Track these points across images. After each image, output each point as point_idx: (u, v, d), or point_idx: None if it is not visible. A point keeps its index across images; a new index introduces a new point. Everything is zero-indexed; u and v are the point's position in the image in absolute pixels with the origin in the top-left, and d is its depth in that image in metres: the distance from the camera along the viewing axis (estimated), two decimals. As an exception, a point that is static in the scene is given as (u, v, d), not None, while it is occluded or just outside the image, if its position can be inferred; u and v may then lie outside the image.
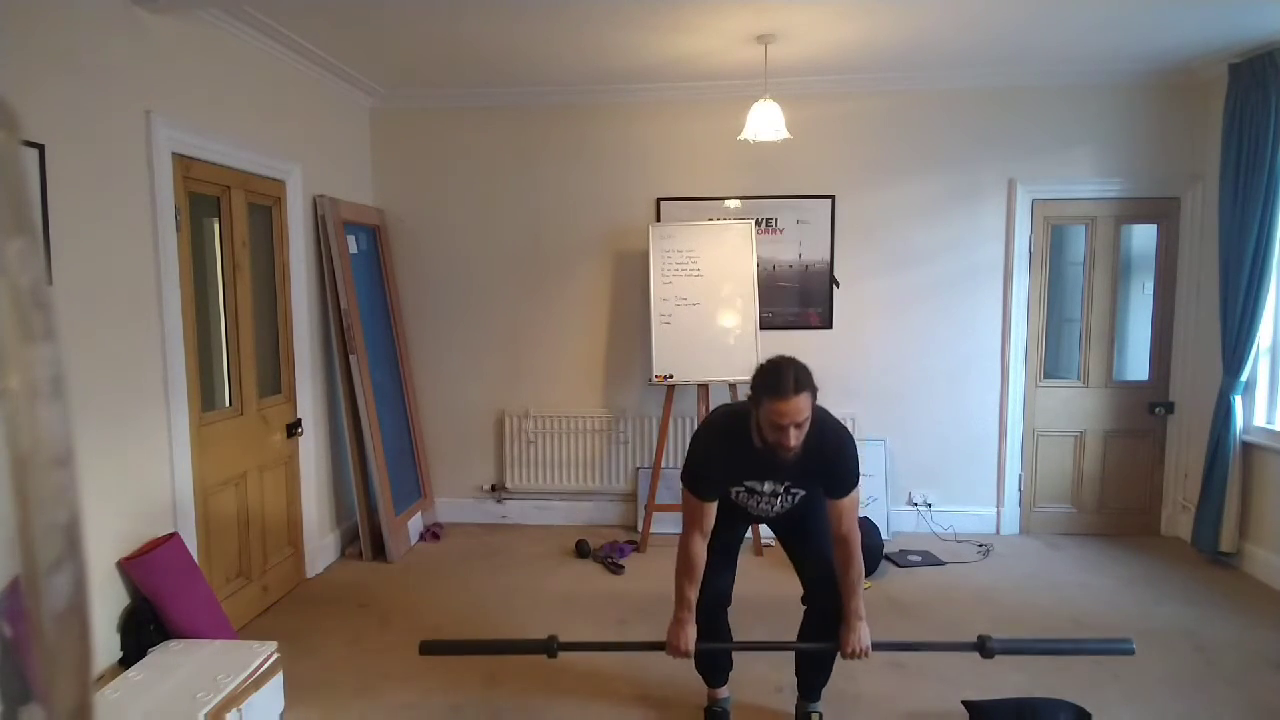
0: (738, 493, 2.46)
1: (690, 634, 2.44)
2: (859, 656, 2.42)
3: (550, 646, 2.50)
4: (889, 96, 4.57)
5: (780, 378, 2.17)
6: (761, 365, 2.28)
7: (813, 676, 2.69)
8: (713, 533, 2.51)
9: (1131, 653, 2.45)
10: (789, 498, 2.45)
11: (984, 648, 2.44)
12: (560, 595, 3.88)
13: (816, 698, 2.72)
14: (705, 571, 2.51)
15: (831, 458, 2.35)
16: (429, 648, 2.53)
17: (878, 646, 2.46)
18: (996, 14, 3.47)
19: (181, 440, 3.13)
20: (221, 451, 3.44)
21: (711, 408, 4.46)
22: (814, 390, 2.22)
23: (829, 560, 2.50)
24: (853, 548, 2.41)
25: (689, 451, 2.50)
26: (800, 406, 2.16)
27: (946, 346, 4.69)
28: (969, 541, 4.57)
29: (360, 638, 3.43)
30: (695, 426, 4.65)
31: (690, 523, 2.46)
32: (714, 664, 2.73)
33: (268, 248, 3.84)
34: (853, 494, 2.40)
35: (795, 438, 2.20)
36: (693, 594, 2.46)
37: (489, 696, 2.94)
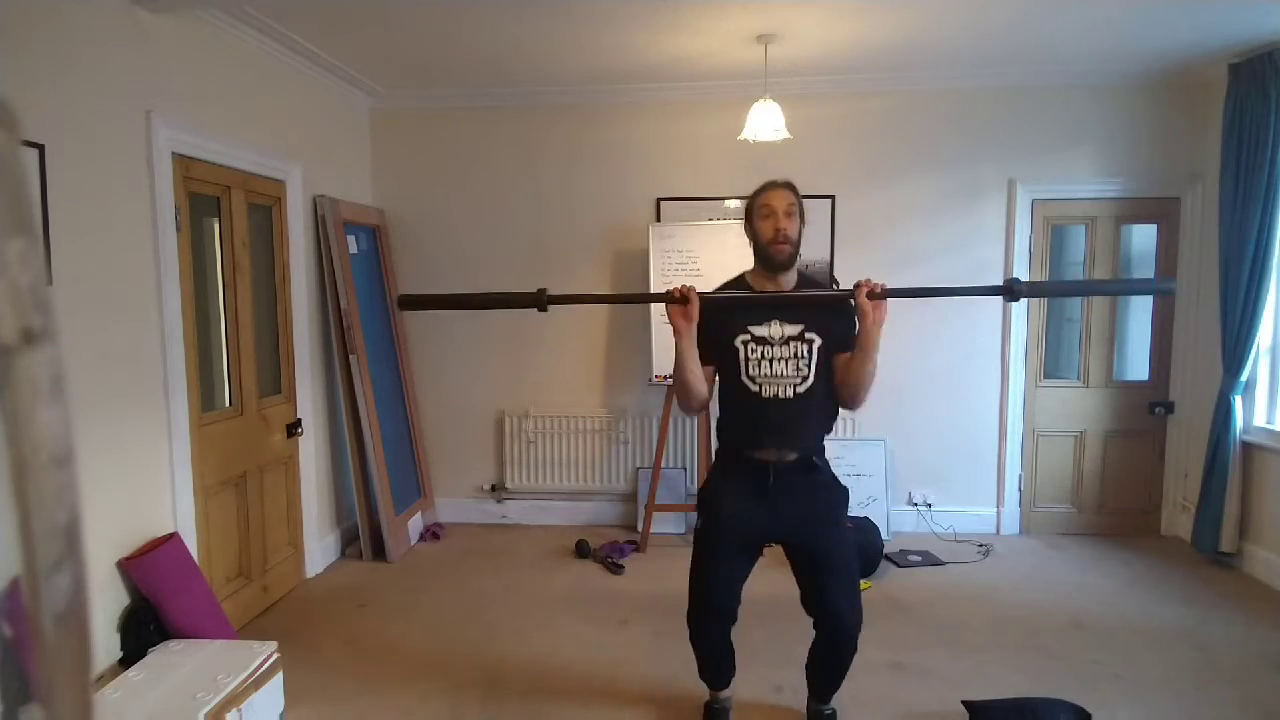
0: (744, 343, 2.30)
1: (691, 290, 2.28)
2: (877, 294, 2.26)
3: (540, 299, 2.27)
4: (889, 96, 4.57)
5: (767, 180, 2.39)
6: None
7: (825, 681, 2.63)
8: (726, 543, 2.40)
9: (1174, 292, 2.37)
10: (805, 347, 2.29)
11: (1011, 290, 2.35)
12: (560, 595, 3.88)
13: (827, 700, 2.69)
14: (712, 580, 2.43)
15: (839, 293, 2.38)
16: (408, 302, 2.38)
17: (893, 293, 2.29)
18: (996, 14, 3.47)
19: (181, 440, 3.13)
20: (221, 451, 3.44)
21: (711, 408, 4.49)
22: (799, 195, 2.36)
23: (842, 618, 2.40)
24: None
25: None
26: (786, 196, 2.33)
27: (946, 346, 4.69)
28: (969, 541, 4.57)
29: (360, 638, 3.43)
30: (695, 426, 4.67)
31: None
32: (715, 671, 2.68)
33: (268, 248, 3.84)
34: None
35: (787, 224, 2.29)
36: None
37: (489, 696, 2.94)
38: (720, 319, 2.34)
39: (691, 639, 2.57)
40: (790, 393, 2.31)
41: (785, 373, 2.30)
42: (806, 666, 2.66)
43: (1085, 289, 2.61)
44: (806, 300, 2.39)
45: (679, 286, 2.31)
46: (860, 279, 2.30)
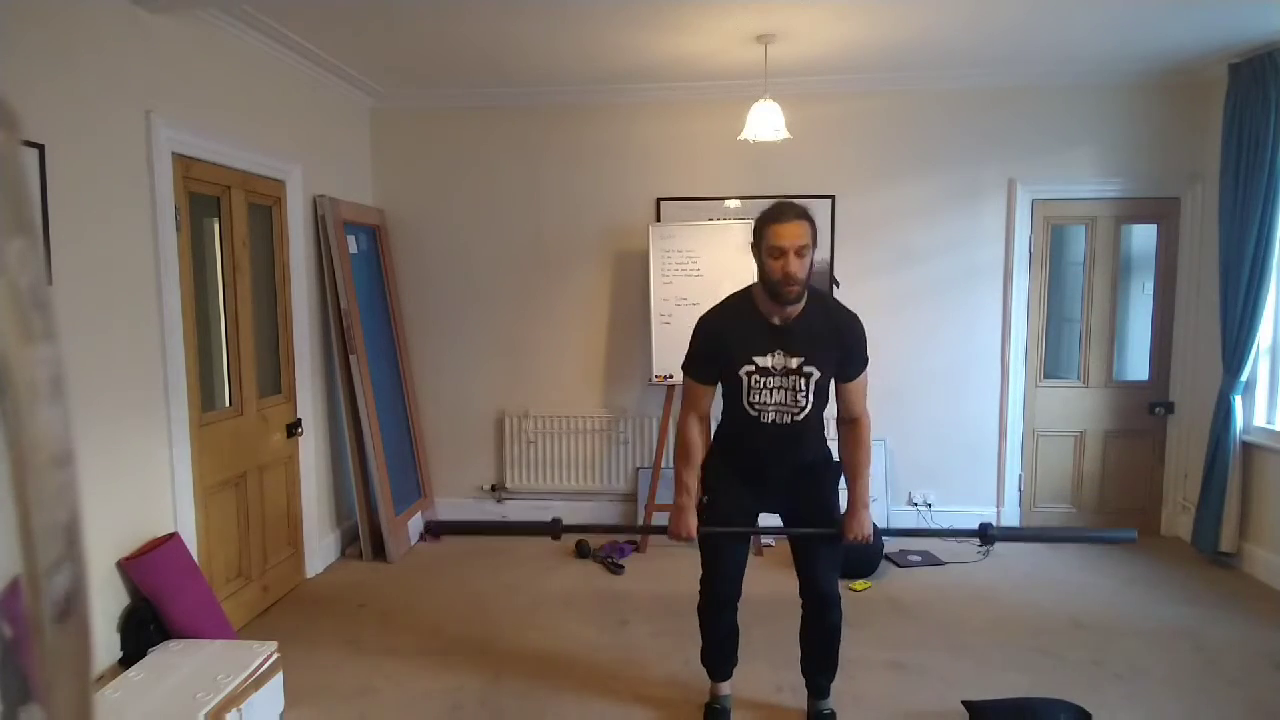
0: (748, 374, 2.36)
1: (692, 520, 2.45)
2: (861, 542, 2.45)
3: (554, 528, 2.54)
4: (889, 96, 4.57)
5: (780, 207, 2.28)
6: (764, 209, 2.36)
7: (819, 673, 2.70)
8: (724, 544, 2.55)
9: (1134, 540, 2.48)
10: (803, 380, 2.35)
11: (985, 534, 2.50)
12: (560, 595, 3.88)
13: (826, 694, 2.73)
14: (716, 569, 2.56)
15: (842, 329, 2.37)
16: (434, 527, 2.59)
17: (882, 533, 2.49)
18: (996, 14, 3.47)
19: (181, 440, 3.13)
20: (221, 451, 3.44)
21: (711, 408, 4.49)
22: (814, 224, 2.28)
23: (832, 599, 2.54)
24: (863, 430, 2.44)
25: (693, 332, 2.46)
26: (798, 231, 2.22)
27: (946, 346, 4.69)
28: (969, 541, 4.57)
29: (360, 638, 3.43)
30: (695, 426, 4.66)
31: (688, 406, 2.47)
32: (720, 656, 2.73)
33: (268, 248, 3.84)
34: (863, 375, 2.43)
35: (797, 266, 2.22)
36: (691, 480, 2.47)
37: (489, 696, 2.94)
38: (728, 345, 2.39)
39: (701, 624, 2.68)
40: (788, 419, 2.41)
41: (784, 401, 2.39)
42: (801, 659, 2.72)
43: (1052, 535, 2.87)
44: (816, 310, 2.41)
45: (684, 533, 2.46)
46: (851, 530, 2.44)
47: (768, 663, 3.07)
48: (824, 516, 2.53)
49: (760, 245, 2.29)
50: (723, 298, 2.52)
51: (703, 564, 2.63)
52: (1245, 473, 4.02)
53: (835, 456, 2.59)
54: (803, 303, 2.35)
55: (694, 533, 2.46)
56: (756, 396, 2.38)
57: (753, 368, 2.36)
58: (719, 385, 2.50)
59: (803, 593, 2.59)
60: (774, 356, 2.35)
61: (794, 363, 2.34)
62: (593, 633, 3.45)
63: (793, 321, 2.35)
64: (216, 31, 3.35)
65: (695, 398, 2.48)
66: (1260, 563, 3.97)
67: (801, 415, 2.39)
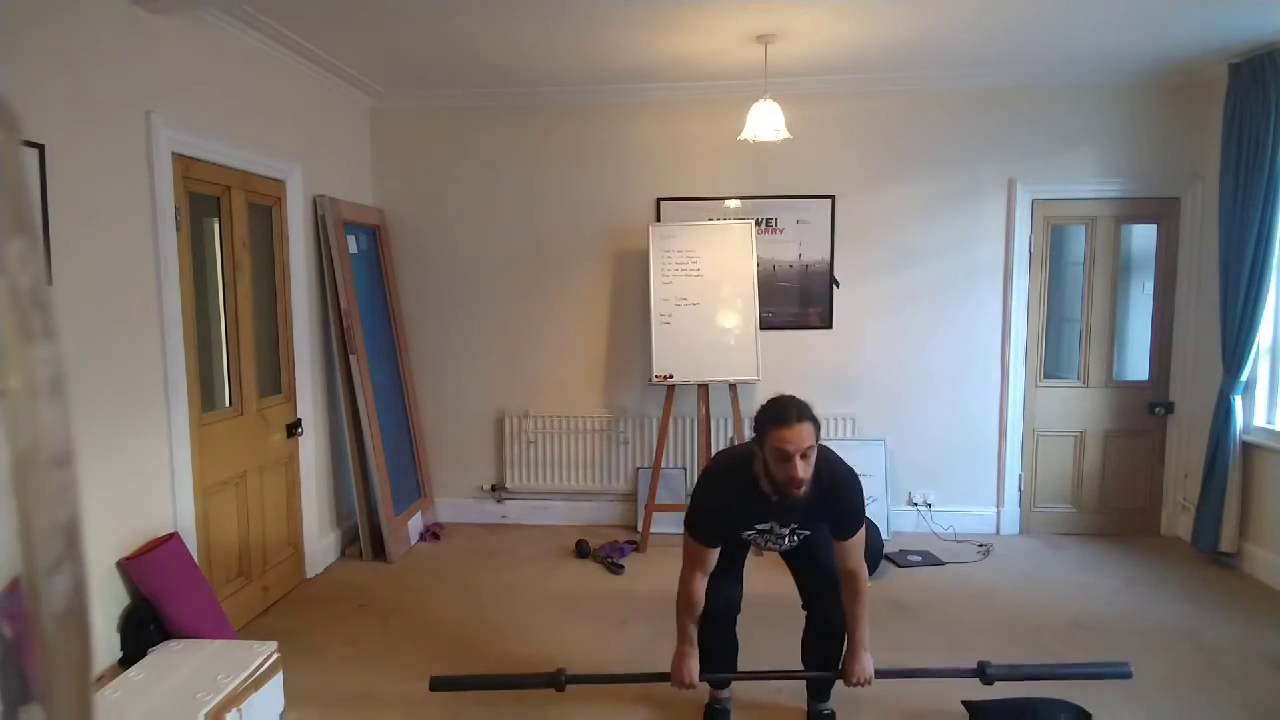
0: (747, 535, 2.53)
1: (693, 666, 2.51)
2: (862, 685, 2.55)
3: (558, 680, 2.60)
4: (889, 96, 4.57)
5: (784, 408, 2.26)
6: (764, 404, 2.33)
7: (818, 667, 2.73)
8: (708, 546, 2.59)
9: (1128, 676, 2.53)
10: (795, 538, 2.53)
11: (984, 674, 2.57)
12: (560, 595, 3.88)
13: (826, 698, 2.77)
14: (713, 582, 2.57)
15: (839, 499, 2.41)
16: (439, 683, 2.62)
17: (881, 674, 2.55)
18: (997, 14, 3.47)
19: (181, 440, 3.13)
20: (221, 451, 3.44)
21: (711, 408, 4.50)
22: (817, 423, 2.26)
23: (830, 569, 2.56)
24: (860, 583, 2.50)
25: (694, 498, 2.54)
26: (803, 434, 2.21)
27: (946, 346, 4.69)
28: (969, 541, 4.57)
29: (360, 638, 3.43)
30: (695, 426, 4.67)
31: (692, 564, 2.51)
32: (725, 657, 2.74)
33: (268, 248, 3.84)
34: (859, 534, 2.45)
35: (802, 469, 2.22)
36: (693, 629, 2.53)
37: (490, 696, 2.93)
38: (732, 517, 2.48)
39: (699, 635, 2.64)
40: (780, 549, 2.61)
41: (782, 546, 2.58)
42: (802, 659, 2.74)
43: (1050, 673, 2.83)
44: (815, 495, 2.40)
45: (687, 679, 2.51)
46: (853, 673, 2.53)
47: (768, 663, 3.06)
48: (817, 545, 2.57)
49: (764, 444, 2.28)
50: (727, 460, 2.56)
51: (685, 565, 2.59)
52: (1245, 473, 4.02)
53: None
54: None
55: (695, 680, 2.51)
56: (752, 540, 2.59)
57: (753, 532, 2.53)
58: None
59: (807, 607, 2.69)
60: (771, 525, 2.49)
61: (788, 529, 2.51)
62: (593, 633, 3.45)
63: (785, 501, 2.38)
64: (216, 31, 3.35)
65: (700, 558, 2.49)
66: (1260, 563, 3.97)
67: (797, 544, 2.57)
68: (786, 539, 2.53)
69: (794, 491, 2.26)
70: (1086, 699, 2.73)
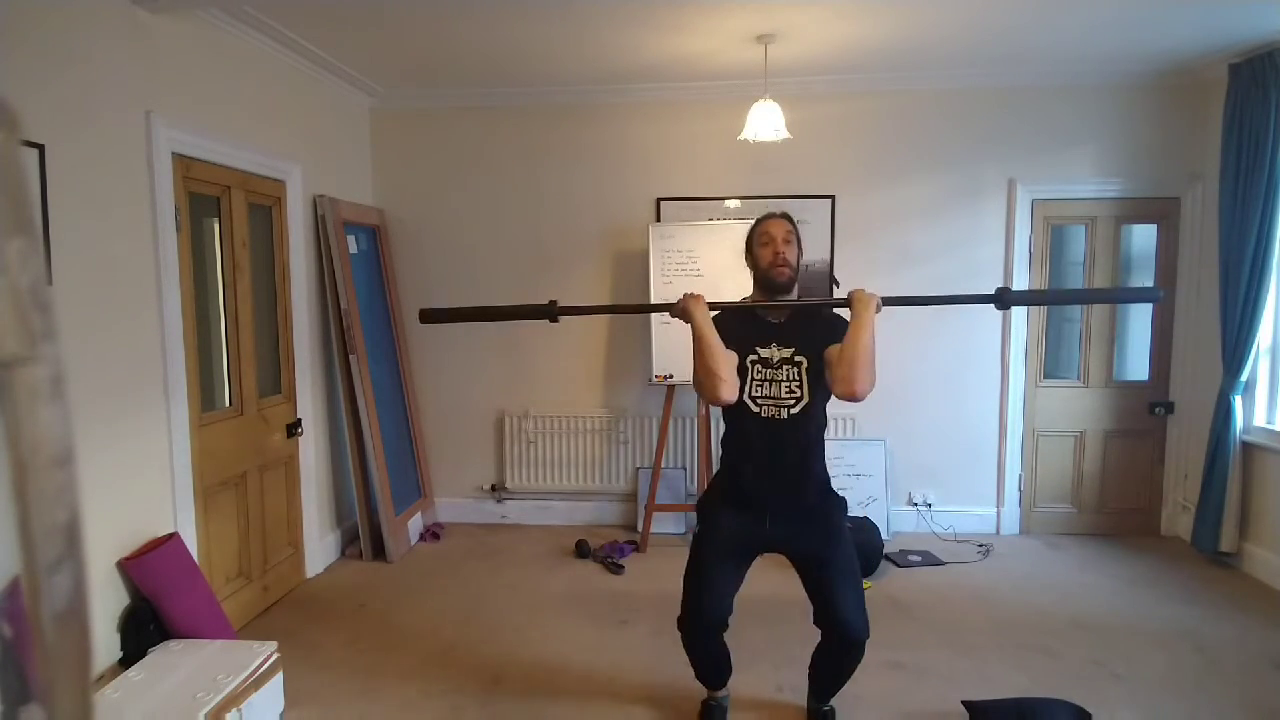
0: (752, 363, 2.44)
1: (700, 300, 2.41)
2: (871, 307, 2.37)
3: (550, 311, 2.45)
4: (889, 96, 4.57)
5: (766, 212, 2.61)
6: None
7: (828, 683, 2.66)
8: (714, 578, 2.49)
9: (1160, 299, 2.42)
10: (795, 370, 2.42)
11: (1000, 299, 2.45)
12: (560, 595, 3.88)
13: (827, 700, 2.72)
14: (706, 591, 2.50)
15: (820, 316, 2.55)
16: (428, 316, 2.47)
17: (890, 301, 2.44)
18: (997, 14, 3.47)
19: (181, 440, 3.13)
20: (221, 451, 3.44)
21: (711, 409, 4.49)
22: (795, 225, 2.55)
23: (851, 616, 2.43)
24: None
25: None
26: (785, 226, 2.51)
27: (946, 346, 4.69)
28: (969, 541, 4.57)
29: (360, 638, 3.43)
30: (695, 426, 4.67)
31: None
32: (714, 667, 2.69)
33: (268, 248, 3.84)
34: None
35: (786, 251, 2.45)
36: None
37: (489, 696, 2.94)
38: (735, 334, 2.45)
39: (686, 647, 2.61)
40: (785, 414, 2.43)
41: (780, 395, 2.44)
42: (810, 667, 2.69)
43: (1075, 297, 2.69)
44: (804, 309, 2.55)
45: (685, 296, 2.42)
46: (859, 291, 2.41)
47: (768, 662, 3.07)
48: (834, 553, 2.44)
49: (752, 245, 2.53)
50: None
51: (687, 573, 2.56)
52: (1245, 473, 4.02)
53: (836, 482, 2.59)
54: (795, 293, 2.52)
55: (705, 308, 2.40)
56: (757, 390, 2.45)
57: (756, 357, 2.46)
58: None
59: (824, 625, 2.48)
60: (771, 348, 2.46)
61: (787, 352, 2.46)
62: (593, 633, 3.45)
63: (785, 320, 2.51)
64: (216, 31, 3.35)
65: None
66: (1260, 563, 3.97)
67: (799, 408, 2.42)
68: (788, 375, 2.41)
69: (781, 273, 2.44)
70: (1086, 699, 2.73)
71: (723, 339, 2.38)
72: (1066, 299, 2.73)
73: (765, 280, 2.48)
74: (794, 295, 2.53)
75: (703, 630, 2.53)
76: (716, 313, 2.47)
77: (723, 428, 2.60)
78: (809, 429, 2.46)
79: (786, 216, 2.55)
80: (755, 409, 2.44)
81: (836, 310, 2.54)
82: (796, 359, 2.44)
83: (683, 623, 2.56)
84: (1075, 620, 3.53)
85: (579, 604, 3.77)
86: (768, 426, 2.43)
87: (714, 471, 2.68)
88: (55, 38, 2.54)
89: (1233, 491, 4.01)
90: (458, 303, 4.88)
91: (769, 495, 2.46)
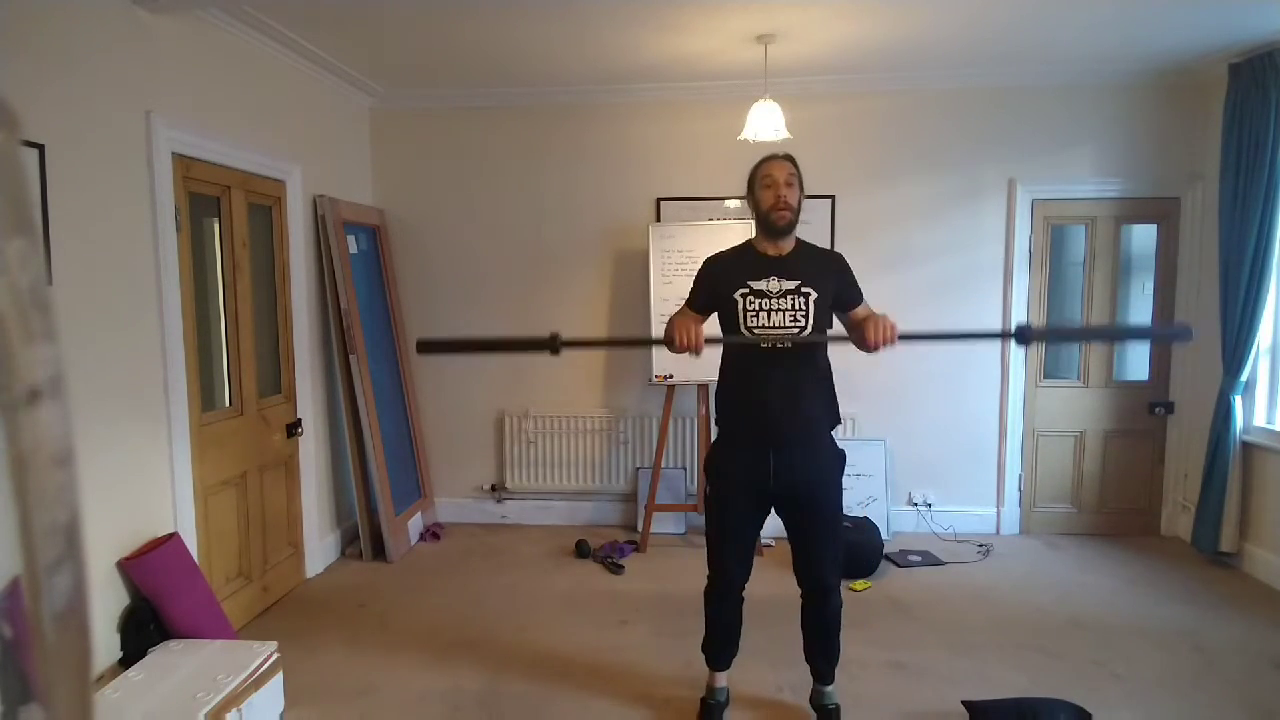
0: (743, 296, 2.41)
1: (699, 330, 2.34)
2: (887, 342, 2.28)
3: (553, 344, 2.44)
4: (889, 96, 4.57)
5: (770, 152, 2.55)
6: None
7: (821, 657, 2.69)
8: (730, 527, 2.56)
9: (1190, 338, 2.38)
10: (802, 299, 2.40)
11: (1021, 335, 2.30)
12: (560, 595, 3.88)
13: (830, 680, 2.71)
14: (722, 556, 2.59)
15: (830, 257, 2.55)
16: (425, 346, 2.45)
17: (906, 338, 2.31)
18: (996, 13, 3.47)
19: (181, 440, 3.13)
20: (221, 451, 3.44)
21: (711, 408, 4.48)
22: (797, 165, 2.51)
23: (829, 591, 2.56)
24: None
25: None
26: (786, 166, 2.47)
27: (946, 346, 4.68)
28: (969, 541, 4.57)
29: (360, 638, 3.43)
30: (695, 426, 4.67)
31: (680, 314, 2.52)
32: (721, 641, 2.71)
33: (268, 248, 3.84)
34: (864, 301, 2.55)
35: (786, 193, 2.42)
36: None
37: (489, 696, 2.94)
38: (722, 275, 2.50)
39: (707, 612, 2.70)
40: (787, 343, 2.41)
41: (783, 323, 2.42)
42: (804, 646, 2.71)
43: (1101, 335, 2.61)
44: (807, 246, 2.58)
45: (688, 339, 2.32)
46: (871, 335, 2.28)
47: (768, 662, 3.07)
48: (824, 505, 2.53)
49: (754, 186, 2.51)
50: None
51: (709, 544, 2.64)
52: (1245, 473, 4.02)
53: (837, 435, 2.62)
54: (794, 241, 2.52)
55: (700, 342, 2.32)
56: (754, 320, 2.42)
57: (747, 290, 2.45)
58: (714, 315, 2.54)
59: (802, 584, 2.62)
60: (770, 281, 2.45)
61: (791, 284, 2.45)
62: (593, 633, 3.45)
63: (787, 254, 2.51)
64: (216, 31, 3.35)
65: (686, 317, 2.50)
66: (1260, 563, 3.97)
67: (802, 336, 2.41)
68: (793, 305, 2.39)
69: (782, 216, 2.42)
70: (1086, 699, 2.73)
71: (712, 285, 2.48)
72: (1091, 336, 2.65)
73: (766, 222, 2.48)
74: (794, 236, 2.54)
75: (727, 586, 2.60)
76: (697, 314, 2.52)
77: (719, 380, 2.60)
78: (812, 360, 2.48)
79: (789, 158, 2.53)
80: (754, 339, 2.43)
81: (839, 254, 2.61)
82: (804, 290, 2.44)
83: (711, 584, 2.64)
84: (1075, 620, 3.53)
85: (579, 604, 3.77)
86: (768, 355, 2.41)
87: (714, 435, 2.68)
88: (55, 38, 2.54)
89: (1233, 491, 4.01)
90: (457, 302, 4.90)
91: (770, 421, 2.42)
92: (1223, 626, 3.44)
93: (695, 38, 3.74)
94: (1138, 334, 2.67)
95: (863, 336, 2.32)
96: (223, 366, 3.52)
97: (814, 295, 2.43)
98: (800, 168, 2.53)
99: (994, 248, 4.61)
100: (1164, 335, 2.53)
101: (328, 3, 3.34)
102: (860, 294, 2.57)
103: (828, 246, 2.63)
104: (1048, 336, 2.38)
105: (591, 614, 3.65)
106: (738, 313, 2.44)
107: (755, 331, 2.40)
